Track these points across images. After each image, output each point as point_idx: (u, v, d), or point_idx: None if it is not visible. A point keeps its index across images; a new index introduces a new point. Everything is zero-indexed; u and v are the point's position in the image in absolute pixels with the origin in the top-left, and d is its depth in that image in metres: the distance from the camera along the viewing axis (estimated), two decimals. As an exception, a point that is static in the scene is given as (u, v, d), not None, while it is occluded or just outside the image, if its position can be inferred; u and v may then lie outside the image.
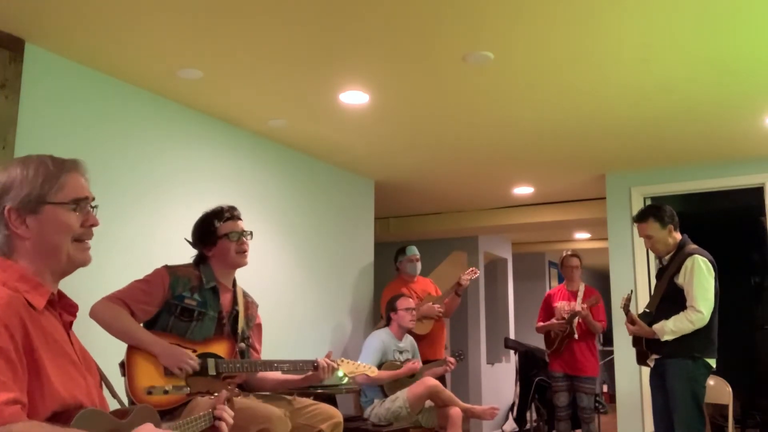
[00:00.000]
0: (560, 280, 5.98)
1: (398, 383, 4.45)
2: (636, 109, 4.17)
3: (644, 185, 5.60)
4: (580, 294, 5.65)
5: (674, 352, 3.63)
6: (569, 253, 5.83)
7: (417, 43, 3.27)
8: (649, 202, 5.34)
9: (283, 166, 4.93)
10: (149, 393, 2.46)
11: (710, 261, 3.67)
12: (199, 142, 4.22)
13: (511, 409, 7.88)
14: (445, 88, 3.84)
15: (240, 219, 3.00)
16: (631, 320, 3.80)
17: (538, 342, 6.28)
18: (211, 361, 2.71)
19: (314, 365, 2.93)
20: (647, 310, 3.86)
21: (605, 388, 10.13)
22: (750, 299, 6.48)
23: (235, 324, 2.91)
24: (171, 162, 4.00)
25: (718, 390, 3.90)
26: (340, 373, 3.15)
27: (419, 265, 5.51)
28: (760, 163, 5.17)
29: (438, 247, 7.90)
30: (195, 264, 2.94)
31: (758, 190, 5.22)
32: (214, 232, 2.92)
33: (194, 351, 2.71)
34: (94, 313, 2.65)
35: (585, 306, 5.47)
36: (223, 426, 1.84)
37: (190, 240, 2.99)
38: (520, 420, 7.23)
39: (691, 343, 3.60)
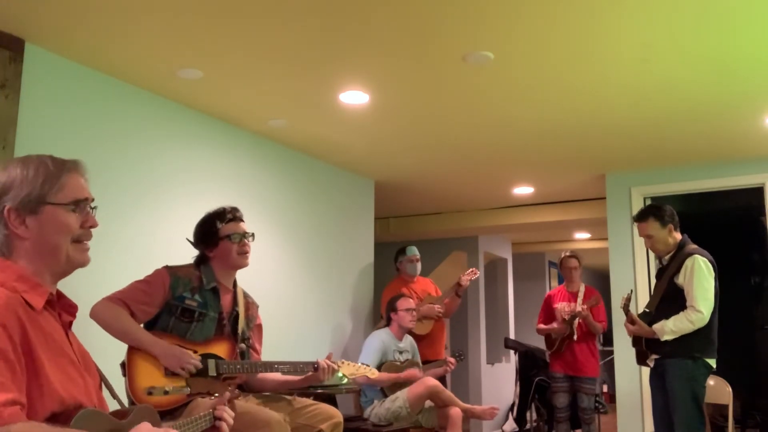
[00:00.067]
0: (560, 280, 5.98)
1: (398, 383, 4.45)
2: (636, 109, 4.17)
3: (644, 185, 5.60)
4: (581, 295, 5.64)
5: (674, 352, 3.63)
6: (568, 254, 5.81)
7: (417, 43, 3.27)
8: (649, 202, 5.34)
9: (283, 166, 4.93)
10: (150, 393, 2.46)
11: (710, 261, 3.67)
12: (199, 142, 4.21)
13: (511, 409, 7.88)
14: (445, 88, 3.84)
15: (242, 220, 3.00)
16: (630, 320, 3.80)
17: (538, 342, 6.28)
18: (211, 362, 2.71)
19: (315, 366, 2.93)
20: (647, 310, 3.86)
21: (605, 388, 10.12)
22: (750, 299, 6.48)
23: (235, 325, 2.91)
24: (171, 162, 4.00)
25: (718, 390, 3.90)
26: (340, 374, 3.15)
27: (419, 266, 5.50)
28: (760, 163, 5.17)
29: (438, 247, 7.89)
30: (196, 264, 2.94)
31: (758, 190, 5.22)
32: (216, 233, 2.92)
33: (194, 352, 2.70)
34: (95, 314, 2.65)
35: (585, 307, 5.46)
36: (224, 426, 1.84)
37: (192, 240, 2.99)
38: (520, 420, 7.23)
39: (690, 343, 3.60)
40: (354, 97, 3.98)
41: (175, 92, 3.91)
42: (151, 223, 3.82)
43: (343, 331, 5.44)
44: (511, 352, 8.10)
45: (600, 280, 9.68)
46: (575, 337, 5.48)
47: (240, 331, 2.92)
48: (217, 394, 2.01)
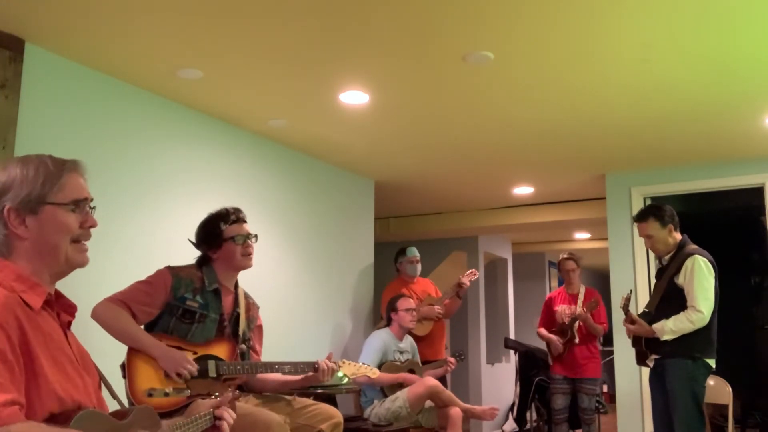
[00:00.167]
0: (560, 281, 5.97)
1: (398, 383, 4.45)
2: (636, 109, 4.17)
3: (644, 185, 5.60)
4: (581, 297, 5.62)
5: (674, 352, 3.63)
6: (565, 256, 5.77)
7: (417, 43, 3.27)
8: (649, 202, 5.34)
9: (283, 166, 4.93)
10: (150, 395, 2.46)
11: (710, 261, 3.67)
12: (199, 142, 4.21)
13: (511, 409, 7.87)
14: (445, 88, 3.84)
15: (245, 222, 2.99)
16: (630, 320, 3.80)
17: (538, 342, 6.28)
18: (211, 363, 2.71)
19: (315, 367, 2.92)
20: (647, 310, 3.85)
21: (605, 388, 10.12)
22: (750, 299, 6.48)
23: (236, 326, 2.91)
24: (171, 162, 4.00)
25: (718, 390, 3.90)
26: (340, 374, 3.14)
27: (419, 266, 5.50)
28: (760, 163, 5.17)
29: (438, 247, 7.89)
30: (198, 265, 2.93)
31: (758, 190, 5.22)
32: (220, 235, 2.91)
33: (195, 353, 2.70)
34: (96, 314, 2.64)
35: (585, 309, 5.46)
36: (224, 426, 1.84)
37: (194, 241, 2.99)
38: (520, 420, 7.22)
39: (690, 343, 3.60)
40: (354, 97, 3.98)
41: (175, 92, 3.90)
42: (151, 223, 3.82)
43: (343, 331, 5.44)
44: (511, 352, 8.10)
45: (600, 281, 9.68)
46: (576, 341, 5.48)
47: (241, 332, 2.91)
48: (217, 394, 2.01)
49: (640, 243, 4.99)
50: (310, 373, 2.94)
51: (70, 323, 1.57)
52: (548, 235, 9.01)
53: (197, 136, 4.20)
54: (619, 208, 5.68)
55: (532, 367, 7.09)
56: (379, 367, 4.43)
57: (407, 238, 7.08)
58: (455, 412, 4.33)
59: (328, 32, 3.16)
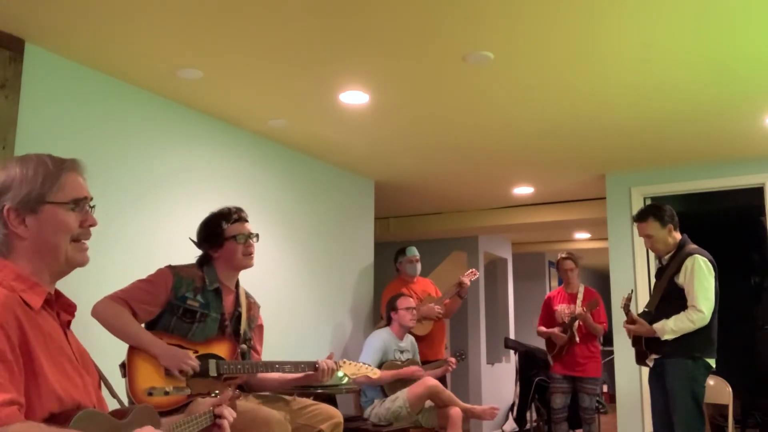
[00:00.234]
0: (560, 280, 5.97)
1: (399, 383, 4.44)
2: (636, 109, 4.17)
3: (644, 185, 5.60)
4: (580, 296, 5.63)
5: (674, 352, 3.63)
6: (563, 255, 5.78)
7: (417, 43, 3.27)
8: (649, 202, 5.34)
9: (283, 166, 4.93)
10: (150, 394, 2.46)
11: (710, 261, 3.67)
12: (199, 142, 4.21)
13: (511, 409, 7.87)
14: (445, 88, 3.84)
15: (247, 221, 2.99)
16: (630, 320, 3.80)
17: (538, 342, 6.28)
18: (212, 363, 2.71)
19: (315, 367, 2.92)
20: (647, 310, 3.86)
21: (605, 388, 10.12)
22: (750, 299, 6.48)
23: (237, 325, 2.91)
24: (171, 162, 4.00)
25: (718, 390, 3.90)
26: (340, 374, 3.14)
27: (419, 266, 5.50)
28: (760, 163, 5.17)
29: (438, 247, 7.89)
30: (199, 264, 2.93)
31: (758, 190, 5.22)
32: (221, 234, 2.90)
33: (195, 352, 2.70)
34: (96, 312, 2.64)
35: (584, 309, 5.46)
36: (225, 424, 1.84)
37: (195, 240, 2.98)
38: (520, 420, 7.22)
39: (690, 342, 3.60)
40: (354, 97, 3.98)
41: (175, 92, 3.90)
42: (151, 223, 3.82)
43: (343, 331, 5.44)
44: (511, 352, 8.10)
45: (600, 280, 9.68)
46: (577, 340, 5.48)
47: (242, 331, 2.91)
48: (217, 392, 2.01)
49: (640, 243, 4.99)
50: (310, 372, 2.94)
51: (69, 323, 1.57)
52: (548, 235, 9.01)
53: (197, 136, 4.21)
54: (619, 208, 5.68)
55: (532, 367, 7.09)
56: (380, 366, 4.43)
57: (407, 238, 7.08)
58: (455, 412, 4.33)
59: (328, 32, 3.16)
